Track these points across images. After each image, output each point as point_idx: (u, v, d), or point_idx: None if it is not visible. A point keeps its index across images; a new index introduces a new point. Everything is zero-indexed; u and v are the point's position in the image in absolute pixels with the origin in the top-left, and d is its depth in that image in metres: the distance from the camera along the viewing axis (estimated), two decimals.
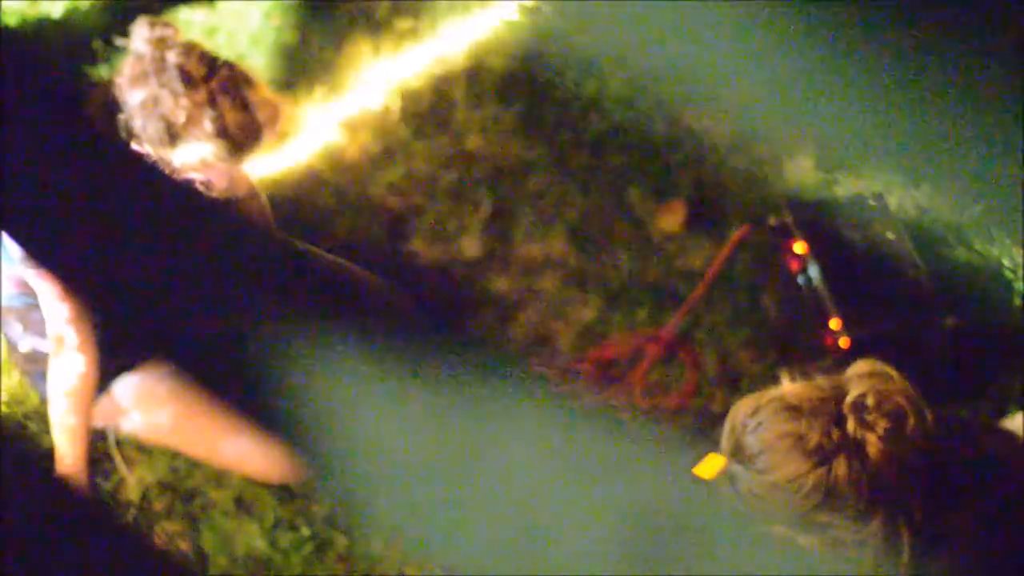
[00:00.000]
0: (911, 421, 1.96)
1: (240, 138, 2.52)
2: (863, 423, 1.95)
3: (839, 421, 1.95)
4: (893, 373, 2.01)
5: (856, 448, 1.94)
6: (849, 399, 1.96)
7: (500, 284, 3.39)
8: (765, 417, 2.00)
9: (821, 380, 2.01)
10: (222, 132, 2.50)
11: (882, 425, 1.94)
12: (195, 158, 2.54)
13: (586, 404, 3.15)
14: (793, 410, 1.98)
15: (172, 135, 2.49)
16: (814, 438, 1.95)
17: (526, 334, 3.27)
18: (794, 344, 3.20)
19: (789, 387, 2.01)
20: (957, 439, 2.08)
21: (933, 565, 2.02)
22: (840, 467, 1.94)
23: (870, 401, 1.95)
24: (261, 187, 3.08)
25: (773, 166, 3.68)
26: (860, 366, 2.02)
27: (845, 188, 3.60)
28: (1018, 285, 3.39)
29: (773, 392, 2.03)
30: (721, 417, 3.04)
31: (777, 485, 1.97)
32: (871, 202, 3.32)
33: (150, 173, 2.82)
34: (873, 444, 1.94)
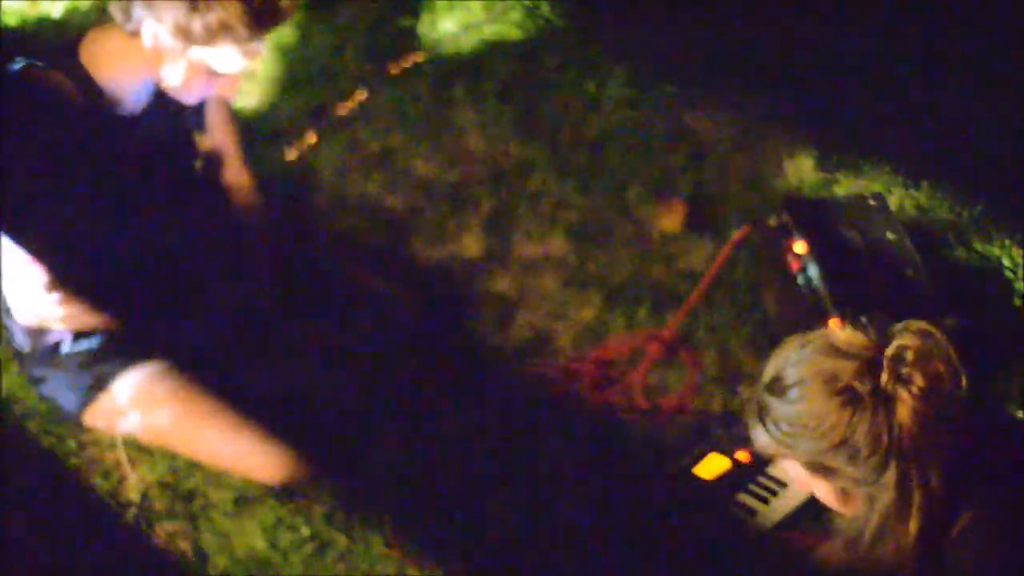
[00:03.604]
0: (946, 386, 1.96)
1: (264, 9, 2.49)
2: (898, 376, 1.96)
3: (874, 369, 1.97)
4: (942, 339, 2.02)
5: (886, 401, 1.96)
6: (890, 350, 1.98)
7: (500, 284, 3.39)
8: (808, 352, 2.03)
9: (872, 329, 2.04)
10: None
11: (917, 384, 1.95)
12: (207, 62, 2.52)
13: (586, 404, 3.16)
14: (835, 350, 2.01)
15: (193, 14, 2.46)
16: (845, 379, 1.98)
17: (526, 334, 3.27)
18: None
19: (839, 331, 2.04)
20: (991, 427, 2.09)
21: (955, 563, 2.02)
22: (864, 414, 1.96)
23: (909, 356, 1.97)
24: (262, 187, 3.08)
25: (773, 166, 3.68)
26: (911, 323, 2.03)
27: (845, 188, 3.60)
28: (1018, 285, 3.39)
29: (824, 331, 2.07)
30: (721, 417, 3.06)
31: (801, 417, 2.00)
32: (871, 202, 3.32)
33: (152, 174, 2.83)
34: (905, 401, 1.95)
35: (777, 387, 2.05)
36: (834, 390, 1.98)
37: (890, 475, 1.98)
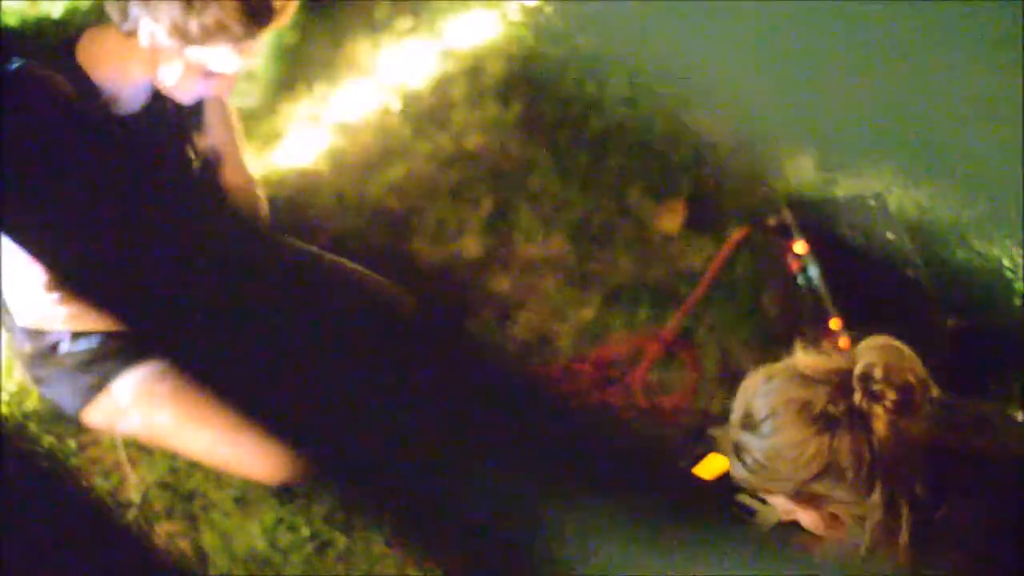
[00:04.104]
0: (918, 395, 1.96)
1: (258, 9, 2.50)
2: (870, 394, 1.96)
3: (846, 391, 1.97)
4: (905, 349, 2.02)
5: (861, 419, 1.95)
6: (858, 370, 1.98)
7: (500, 284, 3.39)
8: (776, 384, 2.02)
9: (835, 352, 2.03)
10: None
11: (890, 398, 1.95)
12: (203, 62, 2.53)
13: (586, 404, 3.16)
14: (803, 378, 2.00)
15: (189, 16, 2.46)
16: (819, 405, 1.97)
17: (526, 334, 3.27)
18: (794, 344, 3.20)
19: (802, 357, 2.03)
20: (974, 427, 2.08)
21: (936, 555, 2.02)
22: (843, 436, 1.95)
23: (878, 373, 1.97)
24: (262, 187, 3.08)
25: (773, 166, 3.68)
26: (873, 340, 2.03)
27: (845, 188, 3.60)
28: (1018, 285, 3.39)
29: (787, 361, 2.06)
30: (721, 417, 3.05)
31: (780, 450, 1.98)
32: (871, 202, 3.32)
33: (151, 174, 2.83)
34: (880, 417, 1.94)
35: (749, 423, 2.03)
36: (809, 417, 1.97)
37: (876, 494, 1.97)
